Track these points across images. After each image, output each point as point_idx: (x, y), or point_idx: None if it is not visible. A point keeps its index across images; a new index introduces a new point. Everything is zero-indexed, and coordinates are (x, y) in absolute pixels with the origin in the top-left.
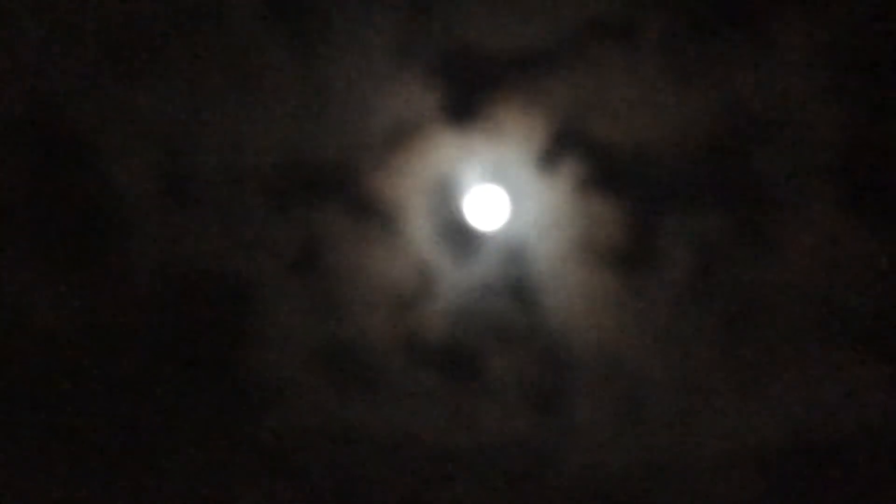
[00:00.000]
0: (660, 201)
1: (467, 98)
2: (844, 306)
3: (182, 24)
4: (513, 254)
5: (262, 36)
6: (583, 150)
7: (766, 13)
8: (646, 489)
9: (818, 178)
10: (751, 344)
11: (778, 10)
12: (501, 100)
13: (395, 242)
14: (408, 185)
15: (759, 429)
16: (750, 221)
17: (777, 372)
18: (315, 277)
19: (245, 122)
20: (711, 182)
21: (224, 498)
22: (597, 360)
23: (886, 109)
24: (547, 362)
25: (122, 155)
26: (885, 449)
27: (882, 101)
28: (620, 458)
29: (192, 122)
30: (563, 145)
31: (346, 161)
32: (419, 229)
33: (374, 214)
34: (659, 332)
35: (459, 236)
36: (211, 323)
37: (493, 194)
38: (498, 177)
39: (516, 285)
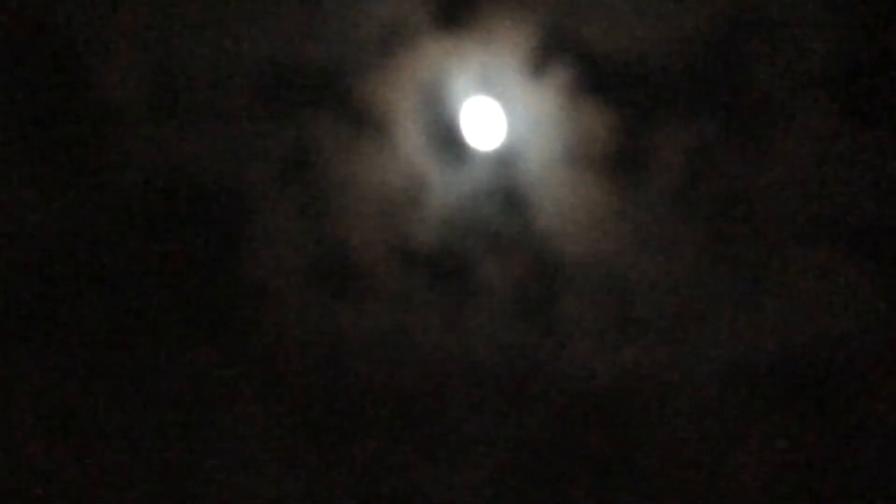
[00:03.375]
0: (652, 108)
1: (458, 4)
2: (839, 213)
3: None
4: (503, 161)
5: None
6: (574, 57)
7: None
8: (636, 394)
9: (813, 84)
10: (744, 250)
11: None
12: (492, 5)
13: (386, 149)
14: (399, 91)
15: (751, 335)
16: (743, 128)
17: (770, 278)
18: (306, 184)
19: (235, 28)
20: (704, 88)
21: (214, 402)
22: (588, 266)
23: (884, 18)
24: (538, 269)
25: (110, 61)
26: (878, 356)
27: (879, 9)
28: (611, 365)
29: (182, 28)
30: (555, 51)
31: (338, 67)
32: (410, 136)
33: (365, 121)
34: (651, 239)
35: (450, 143)
36: (200, 229)
37: (484, 101)
38: (489, 84)
39: (507, 192)
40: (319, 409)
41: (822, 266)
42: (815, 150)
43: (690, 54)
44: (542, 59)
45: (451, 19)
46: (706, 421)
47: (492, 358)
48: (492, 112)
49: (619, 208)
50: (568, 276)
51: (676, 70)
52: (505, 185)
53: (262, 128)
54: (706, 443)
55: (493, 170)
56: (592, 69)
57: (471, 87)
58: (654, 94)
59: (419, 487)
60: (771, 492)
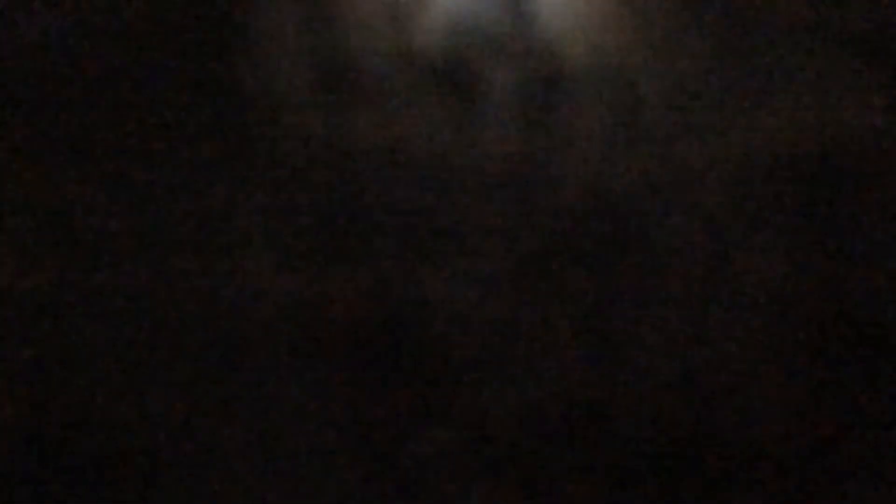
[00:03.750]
0: None
1: None
2: (845, 15)
3: None
4: None
5: None
6: None
7: None
8: (644, 200)
9: None
10: (750, 55)
11: None
12: None
13: None
14: None
15: (758, 139)
16: None
17: (776, 83)
18: None
19: None
20: None
21: (223, 206)
22: (593, 74)
23: None
24: (544, 76)
25: None
26: (881, 157)
27: None
28: (618, 172)
29: None
30: None
31: None
32: None
33: None
34: (657, 43)
35: None
36: (203, 38)
37: None
38: None
39: None
40: (324, 221)
41: (831, 67)
42: None
43: None
44: None
45: None
46: (715, 220)
47: (497, 165)
48: None
49: (624, 12)
50: (574, 82)
51: None
52: None
53: None
54: (714, 244)
55: None
56: None
57: None
58: None
59: (426, 297)
60: (777, 295)
